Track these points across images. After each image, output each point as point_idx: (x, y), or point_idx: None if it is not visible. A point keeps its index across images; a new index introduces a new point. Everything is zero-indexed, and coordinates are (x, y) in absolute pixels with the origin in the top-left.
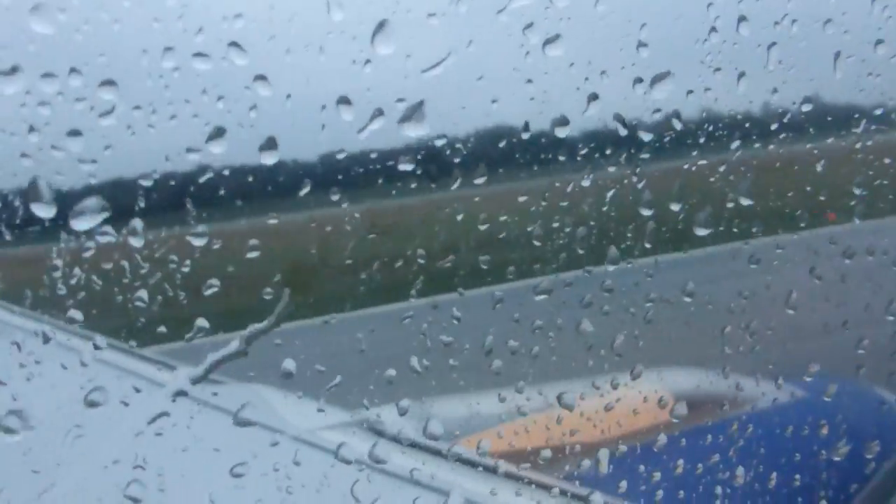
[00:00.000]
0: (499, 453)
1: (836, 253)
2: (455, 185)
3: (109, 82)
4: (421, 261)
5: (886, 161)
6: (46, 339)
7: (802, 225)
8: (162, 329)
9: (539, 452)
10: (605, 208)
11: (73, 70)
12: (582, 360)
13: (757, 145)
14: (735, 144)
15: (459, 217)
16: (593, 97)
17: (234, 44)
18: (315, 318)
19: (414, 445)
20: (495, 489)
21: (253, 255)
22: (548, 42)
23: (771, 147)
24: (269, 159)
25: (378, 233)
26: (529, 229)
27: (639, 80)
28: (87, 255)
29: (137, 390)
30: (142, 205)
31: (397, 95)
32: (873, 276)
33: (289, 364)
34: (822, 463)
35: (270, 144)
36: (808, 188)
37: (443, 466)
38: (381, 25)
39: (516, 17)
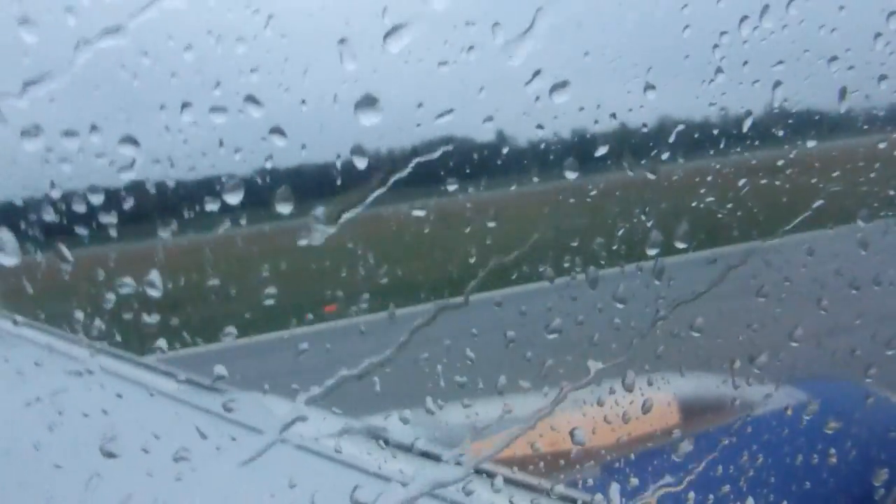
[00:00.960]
0: (503, 461)
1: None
2: (467, 230)
3: (129, 138)
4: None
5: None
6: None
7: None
8: (180, 376)
9: (541, 462)
10: (615, 247)
11: (93, 127)
12: (592, 396)
13: (763, 181)
14: (742, 182)
15: (472, 260)
16: (602, 140)
17: (249, 97)
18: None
19: (421, 454)
20: (500, 496)
21: (269, 302)
22: (556, 87)
23: (777, 183)
24: (284, 209)
25: (389, 271)
26: (541, 269)
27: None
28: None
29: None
30: (161, 256)
31: (411, 143)
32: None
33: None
34: (830, 477)
35: (285, 195)
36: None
37: (450, 475)
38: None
39: (525, 63)
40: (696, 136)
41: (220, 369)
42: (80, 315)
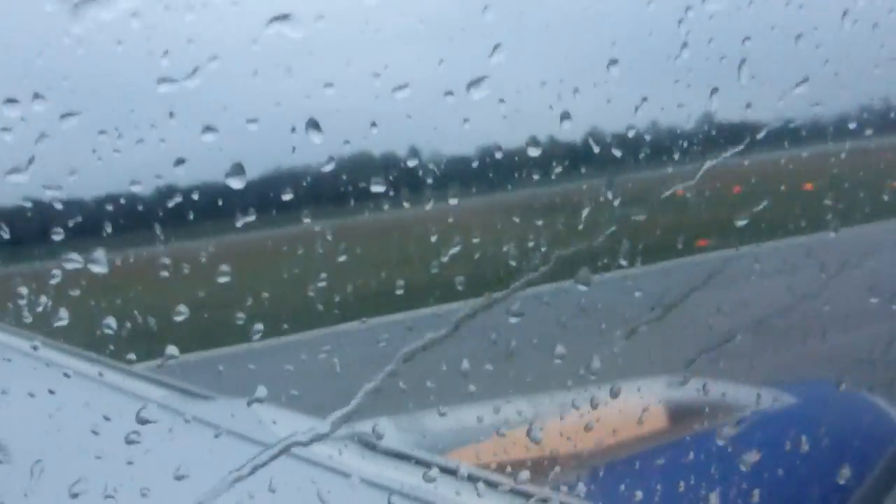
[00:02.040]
0: (489, 465)
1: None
2: (428, 206)
3: (73, 109)
4: (399, 282)
5: (860, 173)
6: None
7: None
8: (131, 356)
9: (519, 473)
10: (580, 227)
11: (36, 96)
12: (559, 380)
13: (731, 160)
14: (708, 160)
15: (433, 238)
16: (565, 115)
17: (197, 68)
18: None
19: (404, 458)
20: (488, 500)
21: (224, 279)
22: (515, 60)
23: (745, 162)
24: (236, 184)
25: (350, 255)
26: (505, 249)
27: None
28: (53, 282)
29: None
30: (108, 230)
31: (367, 116)
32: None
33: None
34: (805, 478)
35: (237, 170)
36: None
37: (433, 480)
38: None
39: (485, 36)
40: (661, 109)
41: (171, 350)
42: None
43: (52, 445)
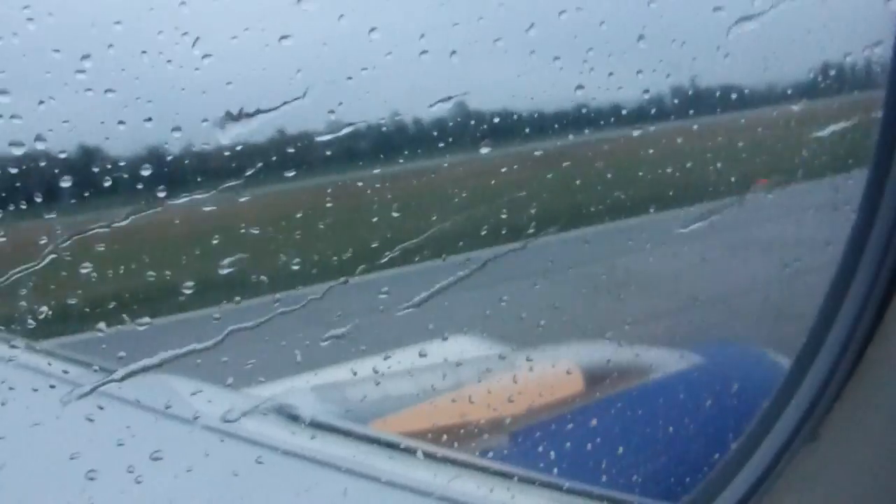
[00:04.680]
0: (413, 434)
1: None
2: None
3: None
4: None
5: None
6: None
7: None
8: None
9: (450, 431)
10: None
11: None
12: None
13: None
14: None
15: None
16: None
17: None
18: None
19: (327, 429)
20: (413, 469)
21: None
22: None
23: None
24: None
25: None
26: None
27: None
28: None
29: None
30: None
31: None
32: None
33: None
34: (708, 433)
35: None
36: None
37: (359, 449)
38: None
39: None
40: None
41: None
42: None
43: None
